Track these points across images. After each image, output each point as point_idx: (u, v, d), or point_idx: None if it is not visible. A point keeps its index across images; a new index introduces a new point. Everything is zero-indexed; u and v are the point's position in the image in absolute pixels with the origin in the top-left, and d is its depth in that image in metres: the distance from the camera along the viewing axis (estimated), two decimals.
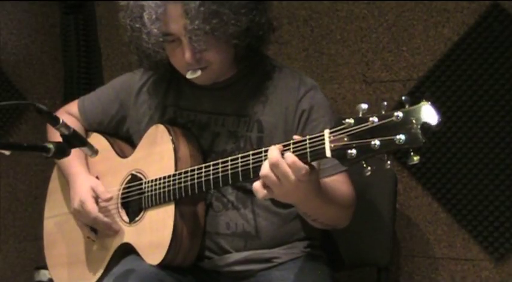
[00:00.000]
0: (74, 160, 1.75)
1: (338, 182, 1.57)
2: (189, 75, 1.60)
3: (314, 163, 1.32)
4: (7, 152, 1.39)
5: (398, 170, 2.19)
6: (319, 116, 1.63)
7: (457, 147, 2.09)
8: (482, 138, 2.05)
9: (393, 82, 2.21)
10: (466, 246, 2.12)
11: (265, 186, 1.32)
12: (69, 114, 1.90)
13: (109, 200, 1.70)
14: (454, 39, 2.10)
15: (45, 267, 1.96)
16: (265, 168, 1.30)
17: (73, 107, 1.91)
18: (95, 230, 1.78)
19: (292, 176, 1.27)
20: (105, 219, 1.69)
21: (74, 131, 1.43)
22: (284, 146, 1.33)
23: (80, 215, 1.72)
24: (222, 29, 1.52)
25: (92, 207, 1.69)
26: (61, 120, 1.40)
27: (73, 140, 1.43)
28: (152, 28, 1.53)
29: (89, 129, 1.88)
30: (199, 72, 1.59)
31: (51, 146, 1.39)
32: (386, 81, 2.22)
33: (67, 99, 1.98)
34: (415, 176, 2.18)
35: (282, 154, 1.29)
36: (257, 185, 1.32)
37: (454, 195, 2.11)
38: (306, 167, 1.28)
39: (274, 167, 1.28)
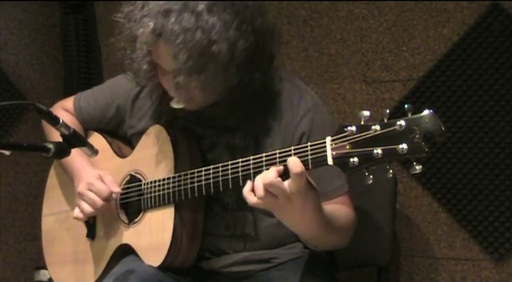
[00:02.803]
0: (77, 156, 1.72)
1: (340, 206, 1.54)
2: (173, 104, 1.59)
3: (313, 182, 1.32)
4: (7, 152, 1.39)
5: (398, 170, 2.19)
6: (320, 139, 1.59)
7: (457, 147, 2.09)
8: (482, 138, 2.05)
9: (393, 82, 2.21)
10: (466, 246, 2.12)
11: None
12: (66, 111, 1.89)
13: (117, 193, 1.68)
14: (454, 39, 2.10)
15: (45, 267, 1.96)
16: (259, 191, 1.29)
17: (69, 103, 1.90)
18: (93, 232, 1.78)
19: (285, 191, 1.26)
20: (116, 196, 1.67)
21: (74, 131, 1.43)
22: (285, 151, 1.32)
23: (84, 197, 1.67)
24: (205, 82, 1.47)
25: (101, 185, 1.66)
26: (61, 120, 1.40)
27: (73, 140, 1.43)
28: (141, 64, 1.49)
29: (86, 128, 1.88)
30: (182, 105, 1.58)
31: (51, 146, 1.39)
32: (387, 81, 2.22)
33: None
34: (415, 176, 2.18)
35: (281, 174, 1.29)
36: (246, 191, 1.33)
37: (454, 195, 2.11)
38: (303, 167, 1.26)
39: (269, 186, 1.27)
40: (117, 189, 1.68)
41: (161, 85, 1.60)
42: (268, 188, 1.27)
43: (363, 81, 2.26)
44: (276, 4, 2.38)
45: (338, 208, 1.53)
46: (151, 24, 1.43)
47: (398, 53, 2.20)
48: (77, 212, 1.71)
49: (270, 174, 1.28)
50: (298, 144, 1.52)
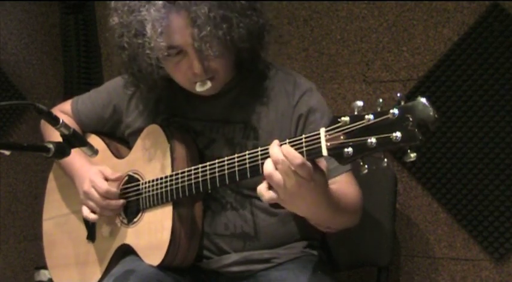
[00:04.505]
0: (76, 157, 1.73)
1: (345, 185, 1.55)
2: (199, 88, 1.56)
3: (320, 163, 1.31)
4: (7, 152, 1.39)
5: (398, 170, 2.19)
6: (317, 118, 1.61)
7: (457, 147, 2.09)
8: (482, 138, 2.05)
9: (393, 82, 2.21)
10: (466, 246, 2.12)
11: (269, 187, 1.29)
12: (64, 114, 1.89)
13: (118, 179, 1.68)
14: (454, 39, 2.10)
15: (45, 267, 1.96)
16: (268, 167, 1.28)
17: (67, 106, 1.91)
18: (93, 234, 1.78)
19: (292, 173, 1.25)
20: (117, 189, 1.66)
21: (74, 131, 1.43)
22: (280, 144, 1.31)
23: (89, 195, 1.67)
24: (231, 34, 1.48)
25: (102, 181, 1.66)
26: (61, 121, 1.40)
27: (73, 140, 1.43)
28: (158, 42, 1.46)
29: (84, 130, 1.88)
30: (209, 84, 1.55)
31: (51, 146, 1.39)
32: (387, 81, 2.22)
33: (67, 99, 1.97)
34: (415, 176, 2.18)
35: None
36: (262, 188, 1.30)
37: (454, 195, 2.11)
38: (301, 156, 1.25)
39: (277, 163, 1.26)
40: (118, 175, 1.68)
41: (167, 78, 1.60)
42: (278, 166, 1.26)
43: (362, 81, 2.26)
44: (276, 4, 2.38)
45: (343, 187, 1.53)
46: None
47: (398, 53, 2.20)
48: (86, 211, 1.70)
49: (275, 151, 1.27)
50: (296, 128, 1.52)
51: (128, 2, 1.51)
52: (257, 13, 1.54)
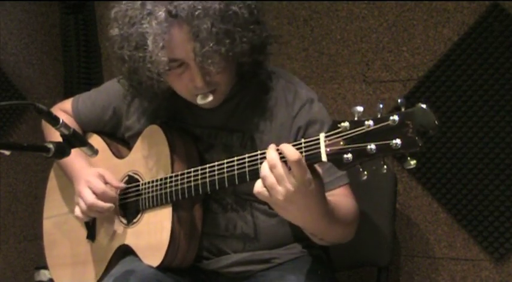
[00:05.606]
0: (76, 158, 1.73)
1: (341, 197, 1.54)
2: (200, 101, 1.55)
3: (319, 170, 1.31)
4: (7, 152, 1.39)
5: (398, 170, 2.19)
6: (315, 131, 1.58)
7: (457, 147, 2.09)
8: (482, 138, 2.05)
9: (393, 82, 2.21)
10: (466, 246, 2.12)
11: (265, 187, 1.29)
12: (64, 113, 1.88)
13: (119, 188, 1.67)
14: (454, 39, 2.10)
15: (45, 267, 1.96)
16: (264, 170, 1.28)
17: (67, 105, 1.90)
18: (93, 233, 1.78)
19: (289, 177, 1.25)
20: (114, 194, 1.64)
21: (74, 130, 1.43)
22: (276, 148, 1.31)
23: (84, 194, 1.65)
24: (234, 49, 1.47)
25: (98, 182, 1.64)
26: (61, 120, 1.40)
27: (73, 140, 1.43)
28: (160, 56, 1.44)
29: (84, 129, 1.87)
30: (211, 97, 1.54)
31: (51, 146, 1.39)
32: (387, 81, 2.22)
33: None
34: (415, 176, 2.18)
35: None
36: (259, 182, 1.30)
37: (454, 195, 2.11)
38: (298, 153, 1.25)
39: (272, 167, 1.27)
40: (120, 185, 1.67)
41: (167, 89, 1.59)
42: (273, 170, 1.26)
43: (363, 81, 2.26)
44: (276, 4, 2.38)
45: (340, 199, 1.52)
46: (163, 12, 1.42)
47: (398, 53, 2.20)
48: (77, 211, 1.70)
49: (272, 155, 1.27)
50: (294, 140, 1.53)
51: (129, 13, 1.49)
52: (260, 26, 1.53)
